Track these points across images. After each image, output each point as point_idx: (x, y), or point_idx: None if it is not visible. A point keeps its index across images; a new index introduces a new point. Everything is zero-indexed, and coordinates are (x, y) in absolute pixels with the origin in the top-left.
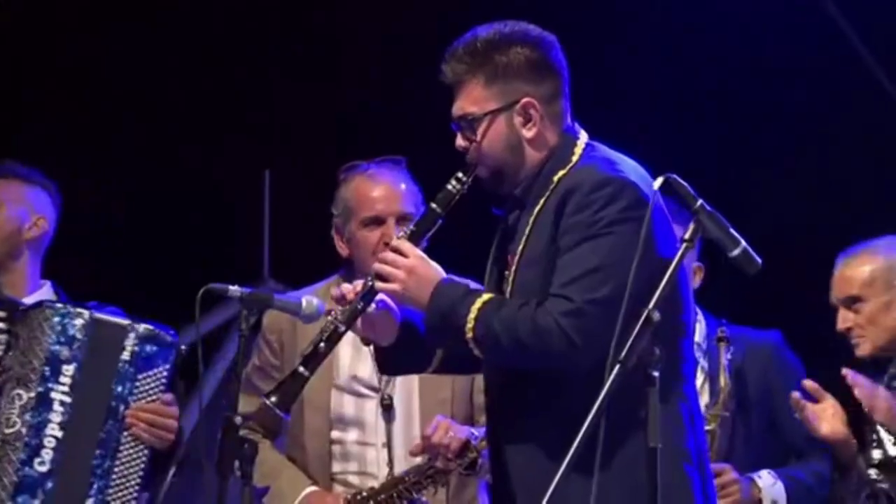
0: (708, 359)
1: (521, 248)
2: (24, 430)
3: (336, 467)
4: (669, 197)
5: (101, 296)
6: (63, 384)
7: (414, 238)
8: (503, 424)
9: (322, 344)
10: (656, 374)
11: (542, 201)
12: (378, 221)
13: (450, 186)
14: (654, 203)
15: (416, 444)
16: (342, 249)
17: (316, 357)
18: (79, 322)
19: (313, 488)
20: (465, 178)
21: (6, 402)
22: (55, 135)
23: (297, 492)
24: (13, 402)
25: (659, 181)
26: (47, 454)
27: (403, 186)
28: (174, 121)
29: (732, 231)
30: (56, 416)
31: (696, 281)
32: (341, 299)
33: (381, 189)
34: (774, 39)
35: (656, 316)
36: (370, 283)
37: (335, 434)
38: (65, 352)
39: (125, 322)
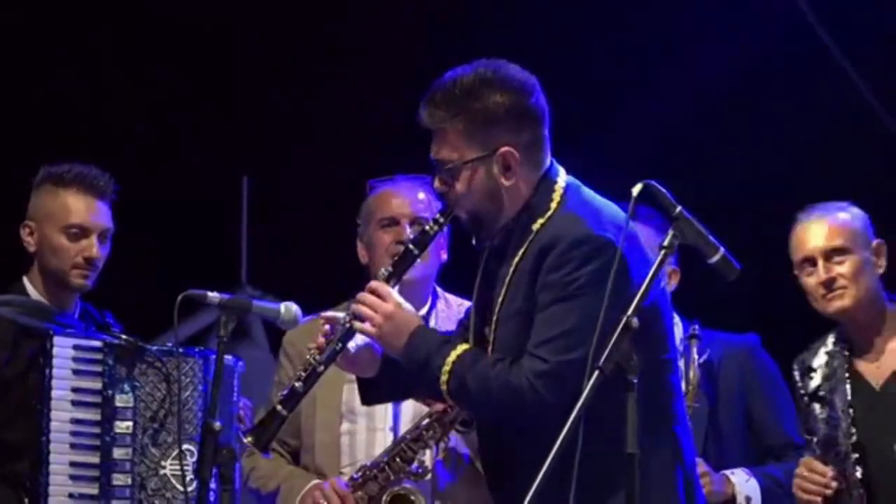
0: (683, 358)
1: (501, 300)
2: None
3: (345, 460)
4: (645, 202)
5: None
6: None
7: (391, 278)
8: (495, 469)
9: (298, 383)
10: (635, 380)
11: (521, 251)
12: (393, 222)
13: (427, 228)
14: (625, 249)
15: None
16: (362, 257)
17: (294, 397)
18: (213, 368)
19: (318, 481)
20: (442, 220)
21: (174, 457)
22: (32, 139)
23: (305, 485)
24: (186, 459)
25: (638, 188)
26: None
27: (422, 195)
28: (152, 126)
29: (711, 237)
30: None
31: (671, 284)
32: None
33: (400, 194)
34: (748, 40)
35: (635, 322)
36: (347, 326)
37: (345, 426)
38: (202, 399)
39: (232, 360)
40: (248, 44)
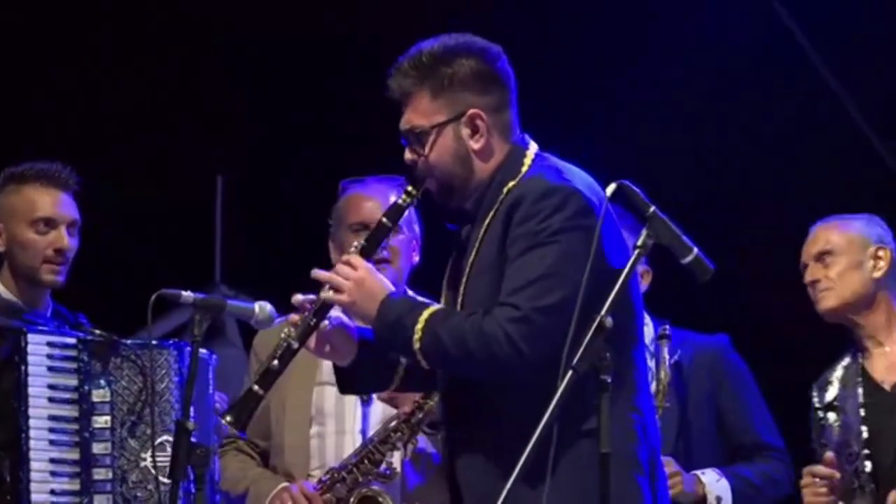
0: (654, 358)
1: (471, 259)
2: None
3: (314, 463)
4: (618, 202)
5: (57, 301)
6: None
7: (365, 252)
8: (456, 433)
9: (275, 361)
10: (609, 379)
11: (491, 213)
12: (363, 226)
13: (399, 200)
14: (603, 211)
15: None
16: (335, 258)
17: (269, 375)
18: (187, 360)
19: (286, 483)
20: (414, 192)
21: (156, 450)
22: (5, 141)
23: (273, 488)
24: (164, 449)
25: (612, 188)
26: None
27: (394, 198)
28: (125, 124)
29: (685, 238)
30: None
31: (643, 284)
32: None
33: (371, 198)
34: (724, 41)
35: (609, 322)
36: (321, 298)
37: (314, 429)
38: (178, 390)
39: (206, 354)
40: (224, 42)
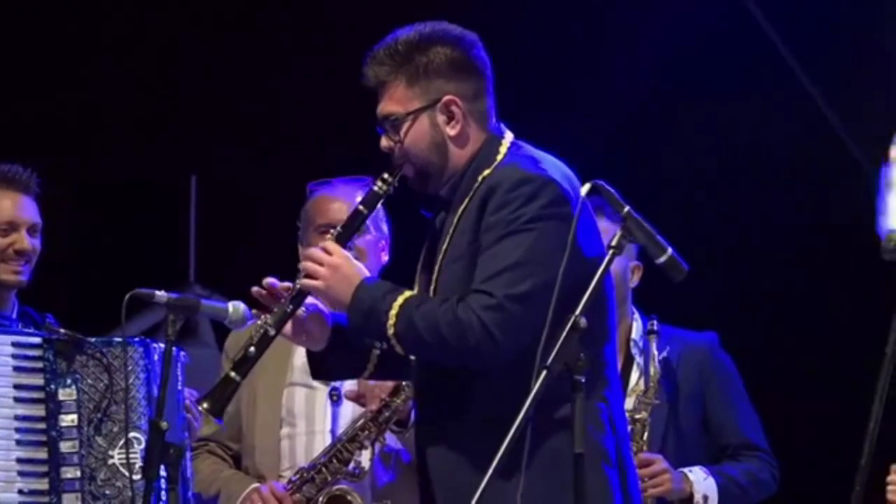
0: (643, 354)
1: (445, 247)
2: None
3: (285, 464)
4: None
5: (26, 301)
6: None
7: (341, 239)
8: (428, 425)
9: (252, 348)
10: (583, 379)
11: (466, 201)
12: (331, 228)
13: (375, 187)
14: (579, 201)
15: (352, 389)
16: None
17: (246, 362)
18: (156, 356)
19: (256, 484)
20: (390, 179)
21: (121, 446)
22: None
23: (244, 489)
24: (133, 446)
25: (586, 187)
26: (164, 494)
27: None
28: (100, 122)
29: (659, 237)
30: None
31: (634, 280)
32: (266, 292)
33: (338, 199)
34: (696, 39)
35: (583, 322)
36: (298, 286)
37: (285, 430)
38: (154, 389)
39: (175, 351)
40: (199, 41)
